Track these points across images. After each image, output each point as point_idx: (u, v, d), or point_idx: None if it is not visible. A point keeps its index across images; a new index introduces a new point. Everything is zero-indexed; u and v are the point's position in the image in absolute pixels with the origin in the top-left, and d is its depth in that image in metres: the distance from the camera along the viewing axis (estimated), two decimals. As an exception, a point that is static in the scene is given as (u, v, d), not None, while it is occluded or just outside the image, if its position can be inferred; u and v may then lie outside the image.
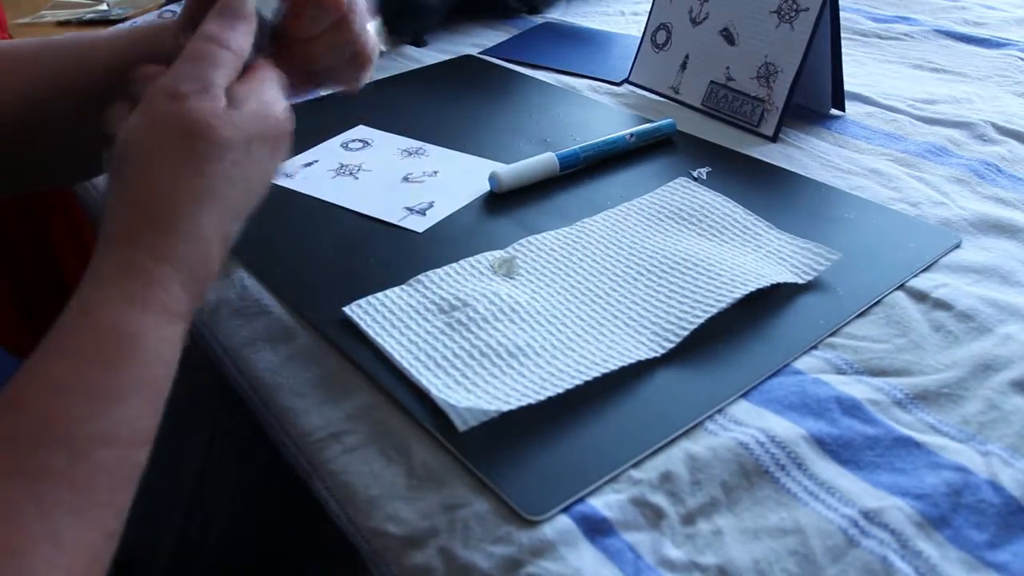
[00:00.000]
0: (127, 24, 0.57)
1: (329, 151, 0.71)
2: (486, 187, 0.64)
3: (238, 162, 0.37)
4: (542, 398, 0.42)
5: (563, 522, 0.38)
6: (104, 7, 1.16)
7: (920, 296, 0.51)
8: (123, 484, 0.32)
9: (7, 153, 0.55)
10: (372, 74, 0.49)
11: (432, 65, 0.91)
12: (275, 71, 0.41)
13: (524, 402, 0.42)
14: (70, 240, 1.11)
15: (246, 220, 0.39)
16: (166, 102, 0.36)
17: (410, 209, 0.62)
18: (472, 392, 0.43)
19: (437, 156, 0.70)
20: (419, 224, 0.60)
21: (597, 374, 0.44)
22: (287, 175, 0.67)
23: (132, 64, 0.53)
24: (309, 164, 0.69)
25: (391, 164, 0.69)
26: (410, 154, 0.71)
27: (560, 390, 0.43)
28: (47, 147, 0.57)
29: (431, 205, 0.63)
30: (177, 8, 1.09)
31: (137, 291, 0.34)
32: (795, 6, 0.68)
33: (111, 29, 0.57)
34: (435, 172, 0.68)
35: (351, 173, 0.68)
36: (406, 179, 0.67)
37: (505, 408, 0.41)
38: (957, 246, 0.56)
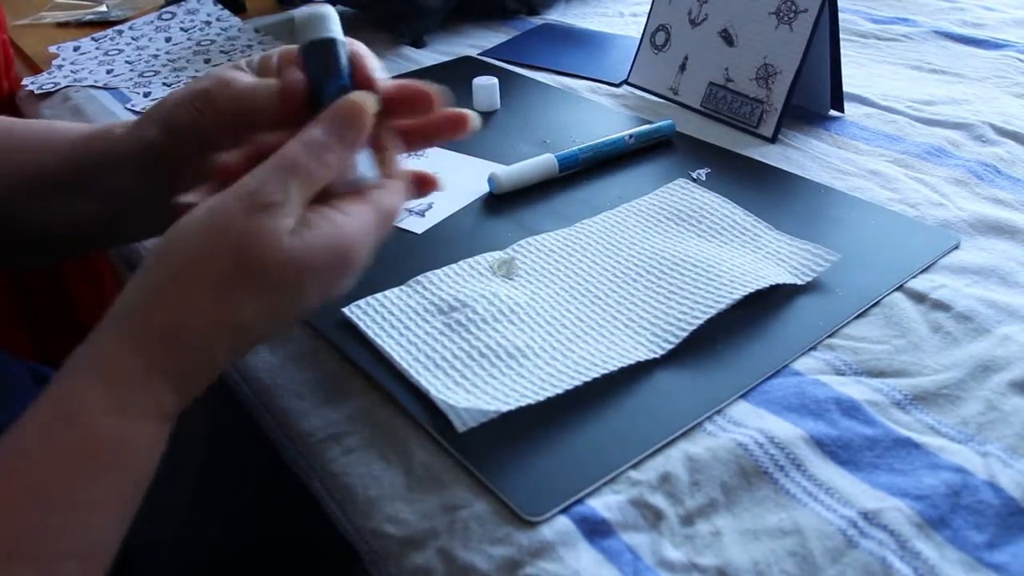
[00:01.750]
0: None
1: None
2: (485, 188, 0.64)
3: (275, 302, 0.34)
4: (541, 399, 0.42)
5: (562, 523, 0.38)
6: (103, 8, 1.16)
7: (919, 297, 0.51)
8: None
9: None
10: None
11: (431, 66, 0.91)
12: (377, 206, 0.37)
13: (523, 402, 0.42)
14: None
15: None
16: (242, 206, 0.33)
17: (409, 210, 0.62)
18: (472, 393, 0.43)
19: (436, 157, 0.70)
20: (418, 225, 0.60)
21: (596, 375, 0.44)
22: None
23: (85, 165, 0.52)
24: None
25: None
26: (409, 155, 0.71)
27: (560, 390, 0.43)
28: None
29: (430, 206, 0.63)
30: (176, 10, 1.09)
31: (128, 398, 0.32)
32: (794, 7, 0.68)
33: (64, 124, 0.54)
34: (434, 173, 0.68)
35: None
36: (405, 180, 0.67)
37: (504, 408, 0.41)
38: (956, 247, 0.56)
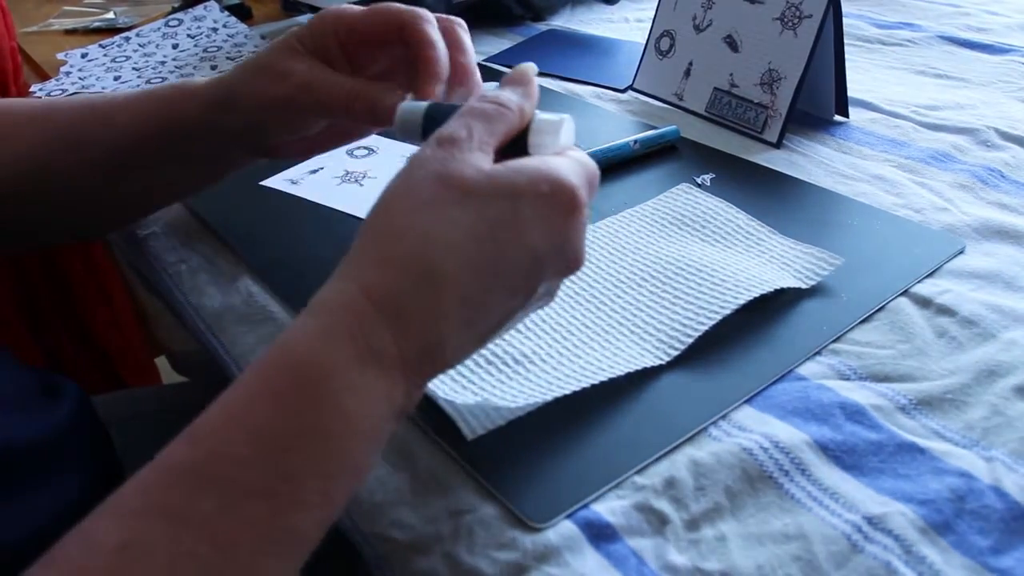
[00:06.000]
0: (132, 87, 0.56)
1: (335, 158, 0.72)
2: (490, 194, 0.64)
3: (488, 217, 0.34)
4: (548, 399, 0.42)
5: (567, 527, 0.38)
6: (111, 15, 1.17)
7: (924, 302, 0.51)
8: (268, 546, 0.29)
9: (15, 212, 0.54)
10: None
11: (437, 72, 0.91)
12: (577, 158, 0.37)
13: (530, 401, 0.42)
14: (75, 245, 1.11)
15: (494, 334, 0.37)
16: (433, 146, 0.36)
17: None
18: (478, 396, 0.43)
19: (442, 163, 0.71)
20: (424, 231, 0.61)
21: (604, 378, 0.44)
22: (292, 182, 0.68)
23: (157, 127, 0.53)
24: (315, 171, 0.69)
25: (396, 171, 0.69)
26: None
27: (567, 391, 0.43)
28: (63, 206, 0.57)
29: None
30: (183, 16, 1.09)
31: (338, 328, 0.32)
32: (798, 13, 0.68)
33: (125, 92, 0.56)
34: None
35: (356, 180, 0.68)
36: (411, 186, 0.67)
37: (512, 406, 0.42)
38: (961, 252, 0.56)
